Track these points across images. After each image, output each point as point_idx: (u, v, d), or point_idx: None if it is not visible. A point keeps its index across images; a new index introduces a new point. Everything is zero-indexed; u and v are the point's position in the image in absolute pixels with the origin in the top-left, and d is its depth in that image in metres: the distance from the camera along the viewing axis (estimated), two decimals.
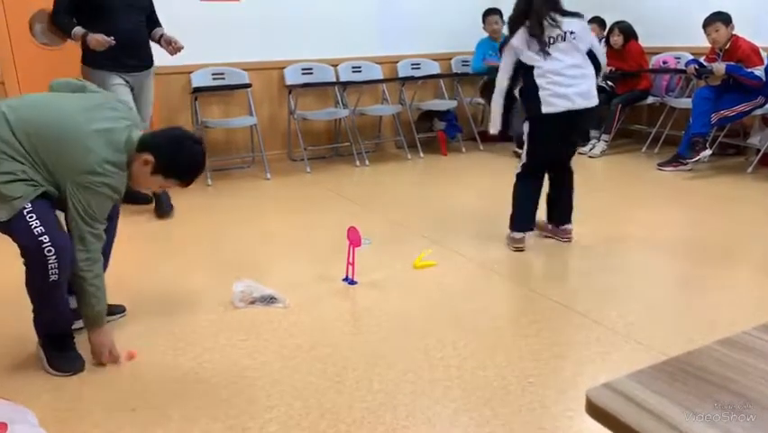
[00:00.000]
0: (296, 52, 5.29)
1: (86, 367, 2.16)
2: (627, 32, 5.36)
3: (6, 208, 1.96)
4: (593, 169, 5.11)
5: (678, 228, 3.54)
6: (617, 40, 5.36)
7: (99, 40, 3.52)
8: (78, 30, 3.58)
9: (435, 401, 1.92)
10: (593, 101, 3.03)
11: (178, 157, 2.13)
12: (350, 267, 2.82)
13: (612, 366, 2.12)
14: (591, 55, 3.05)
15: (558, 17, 2.97)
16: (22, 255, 2.02)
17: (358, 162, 5.24)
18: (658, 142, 5.41)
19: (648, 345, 2.23)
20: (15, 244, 1.99)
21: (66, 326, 2.20)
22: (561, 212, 3.31)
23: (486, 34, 5.72)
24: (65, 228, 2.05)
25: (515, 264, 3.03)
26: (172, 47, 3.79)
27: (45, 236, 1.95)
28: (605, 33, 5.65)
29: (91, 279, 2.08)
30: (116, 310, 2.49)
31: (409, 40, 5.78)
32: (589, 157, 5.37)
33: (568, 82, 2.95)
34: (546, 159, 3.21)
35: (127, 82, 3.81)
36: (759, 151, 4.76)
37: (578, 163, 5.22)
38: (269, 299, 2.62)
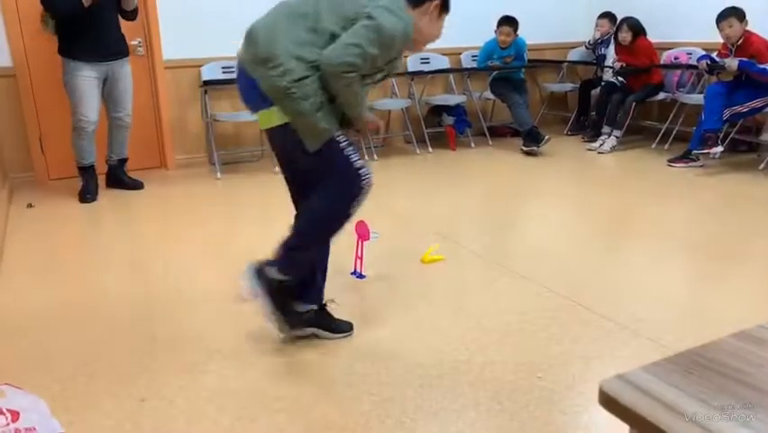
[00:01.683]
0: None
1: (95, 360, 2.18)
2: (636, 28, 5.32)
3: (316, 139, 1.95)
4: (603, 164, 5.08)
5: (688, 224, 3.51)
6: (626, 36, 5.31)
7: None
8: None
9: (443, 396, 1.92)
10: None
11: None
12: (358, 261, 2.82)
13: (622, 362, 2.11)
14: None
15: None
16: (329, 186, 2.02)
17: (366, 157, 5.24)
18: (669, 139, 5.37)
19: (658, 342, 2.21)
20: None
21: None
22: None
23: (495, 36, 5.67)
24: None
25: (523, 259, 3.02)
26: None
27: (364, 169, 2.00)
28: (614, 29, 5.61)
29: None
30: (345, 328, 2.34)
31: None
32: (599, 153, 5.35)
33: None
34: None
35: (100, 75, 3.97)
36: None
37: (587, 159, 5.25)
38: None
